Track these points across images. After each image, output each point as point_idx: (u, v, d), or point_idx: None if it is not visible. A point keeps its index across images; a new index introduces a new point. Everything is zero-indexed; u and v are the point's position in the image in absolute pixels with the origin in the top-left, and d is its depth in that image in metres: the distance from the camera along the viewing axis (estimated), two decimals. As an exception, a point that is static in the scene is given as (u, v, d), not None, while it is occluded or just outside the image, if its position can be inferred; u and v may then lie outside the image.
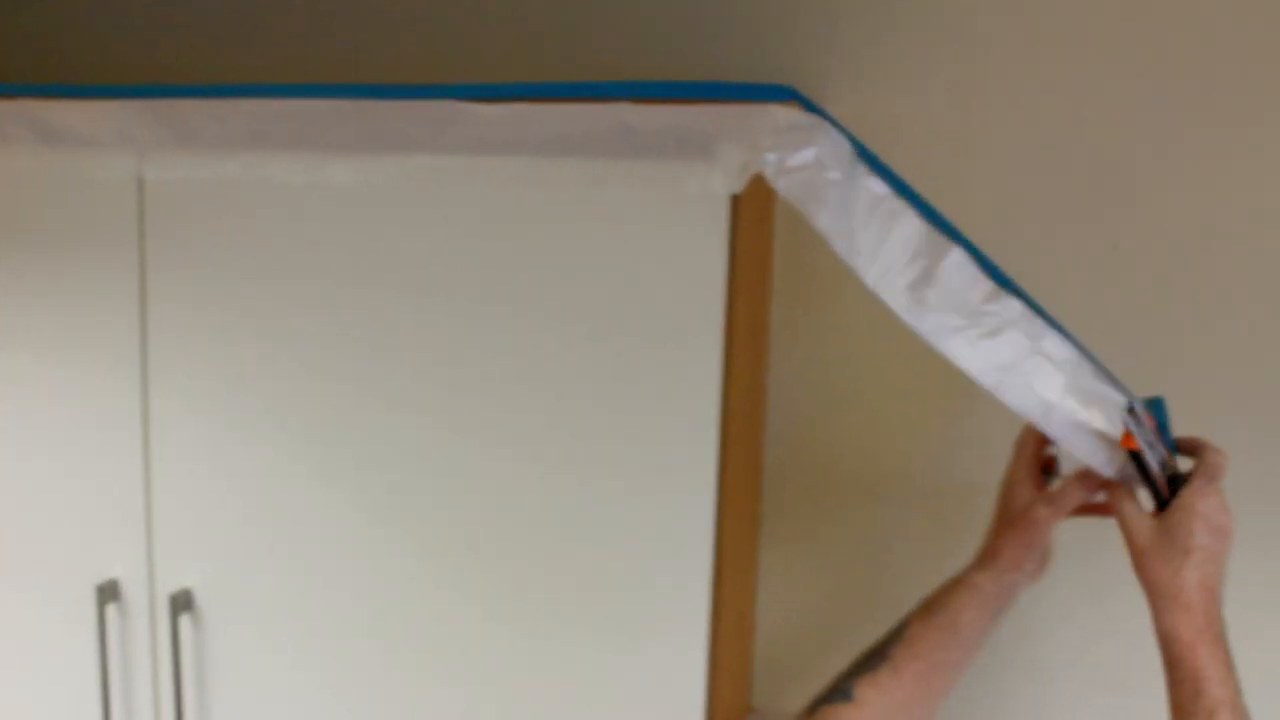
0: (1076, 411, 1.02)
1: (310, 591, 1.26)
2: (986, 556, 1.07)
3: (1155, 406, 1.07)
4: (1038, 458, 1.10)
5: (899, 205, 1.01)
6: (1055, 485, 1.10)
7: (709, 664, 1.16)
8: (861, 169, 1.01)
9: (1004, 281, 1.04)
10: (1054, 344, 1.03)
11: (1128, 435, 1.00)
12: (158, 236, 1.25)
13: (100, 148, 1.22)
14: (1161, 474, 1.03)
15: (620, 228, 1.10)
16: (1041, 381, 1.01)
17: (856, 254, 0.97)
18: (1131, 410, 1.02)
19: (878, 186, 1.01)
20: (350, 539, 1.24)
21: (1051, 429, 1.02)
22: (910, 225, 1.01)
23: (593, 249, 1.12)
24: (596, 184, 1.07)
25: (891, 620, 1.18)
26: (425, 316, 1.17)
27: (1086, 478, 1.05)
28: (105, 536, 1.32)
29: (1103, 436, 1.02)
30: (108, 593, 1.32)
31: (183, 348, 1.26)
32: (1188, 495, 0.98)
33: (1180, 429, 1.10)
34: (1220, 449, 1.02)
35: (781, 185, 0.95)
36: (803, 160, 0.94)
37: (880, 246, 0.99)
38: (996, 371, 1.00)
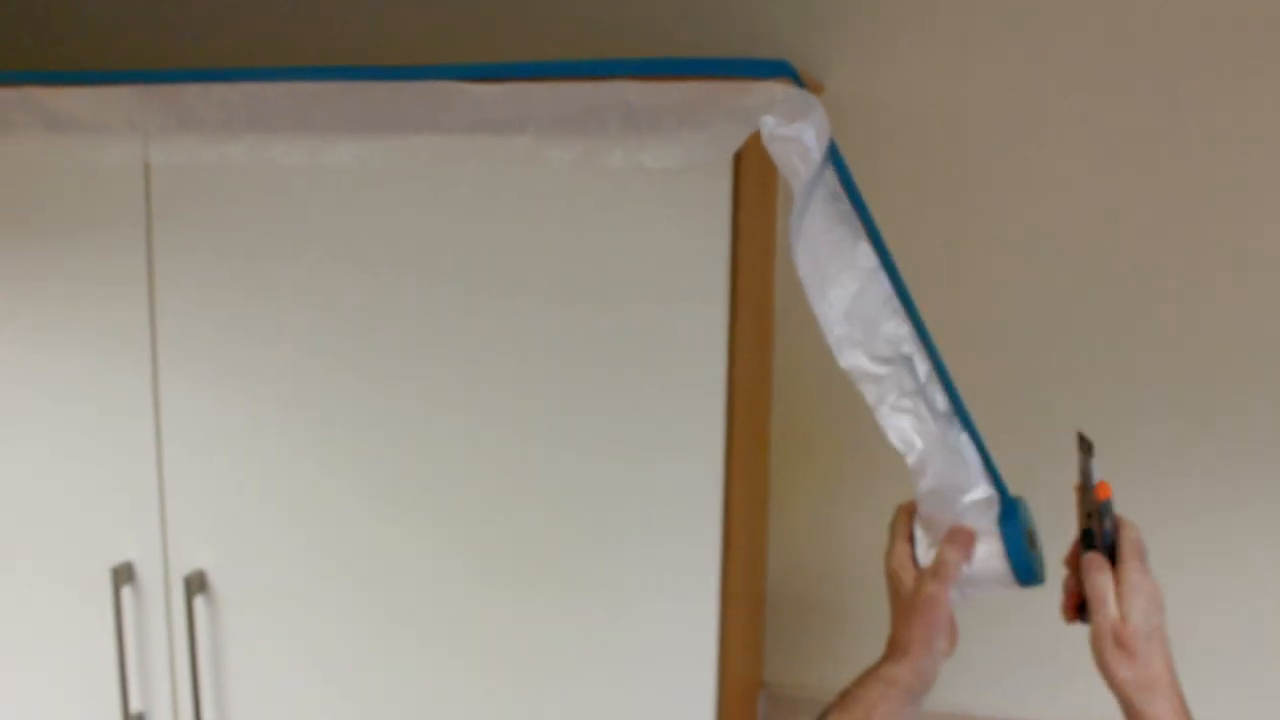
0: (937, 463, 1.04)
1: (323, 571, 1.28)
2: (896, 649, 1.06)
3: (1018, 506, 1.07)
4: (911, 538, 1.09)
5: (847, 210, 1.02)
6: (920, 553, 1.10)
7: (720, 636, 1.17)
8: (829, 162, 1.01)
9: (918, 324, 1.04)
10: (938, 395, 1.05)
11: (1103, 483, 1.03)
12: (165, 220, 1.26)
13: (105, 133, 1.23)
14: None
15: (622, 204, 1.11)
16: (912, 423, 1.05)
17: (799, 235, 0.99)
18: (1085, 444, 1.04)
19: (837, 185, 1.02)
20: (362, 518, 1.25)
21: (915, 472, 1.05)
22: (852, 232, 1.02)
23: (595, 226, 1.12)
24: (597, 161, 1.08)
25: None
26: (432, 297, 1.18)
27: (957, 537, 1.05)
28: (119, 519, 1.34)
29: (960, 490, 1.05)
30: (123, 575, 1.34)
31: (192, 330, 1.27)
32: (1133, 578, 0.98)
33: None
34: (1132, 523, 1.02)
35: (774, 150, 0.96)
36: (795, 130, 0.95)
37: (822, 236, 1.01)
38: (880, 402, 1.04)
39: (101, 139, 1.23)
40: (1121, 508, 1.03)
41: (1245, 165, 1.32)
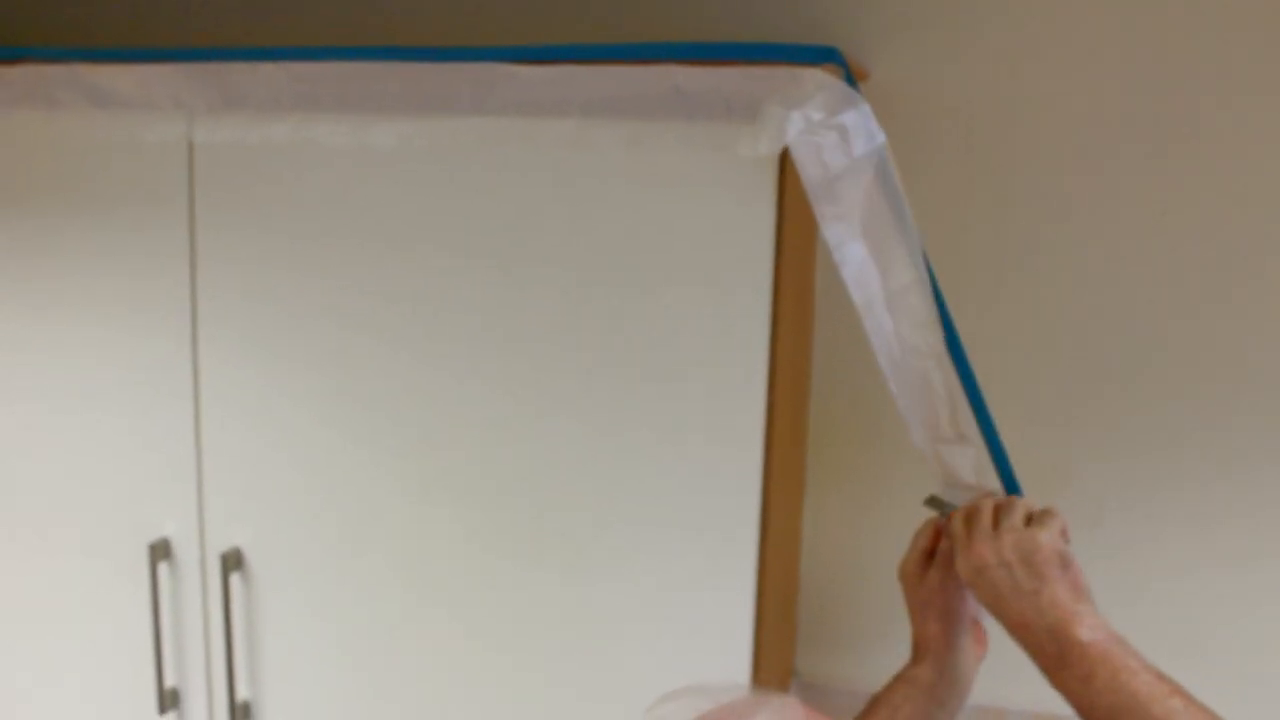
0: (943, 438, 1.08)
1: (360, 550, 1.28)
2: (917, 650, 1.06)
3: None
4: (929, 553, 1.08)
5: (887, 208, 1.02)
6: None
7: (755, 625, 1.17)
8: (874, 159, 1.01)
9: (947, 324, 1.05)
10: (962, 405, 1.07)
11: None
12: (207, 198, 1.26)
13: (150, 111, 1.23)
14: None
15: (667, 189, 1.10)
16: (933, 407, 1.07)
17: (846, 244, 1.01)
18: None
19: (881, 182, 1.01)
20: (400, 499, 1.25)
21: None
22: (891, 234, 1.02)
23: (640, 211, 1.11)
24: (644, 146, 1.07)
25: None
26: (472, 278, 1.18)
27: (948, 526, 1.06)
28: (157, 496, 1.34)
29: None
30: (160, 551, 1.34)
31: (233, 309, 1.28)
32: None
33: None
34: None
35: (801, 143, 0.96)
36: (834, 123, 0.95)
37: (864, 232, 1.02)
38: (902, 382, 1.07)
39: (146, 116, 1.24)
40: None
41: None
